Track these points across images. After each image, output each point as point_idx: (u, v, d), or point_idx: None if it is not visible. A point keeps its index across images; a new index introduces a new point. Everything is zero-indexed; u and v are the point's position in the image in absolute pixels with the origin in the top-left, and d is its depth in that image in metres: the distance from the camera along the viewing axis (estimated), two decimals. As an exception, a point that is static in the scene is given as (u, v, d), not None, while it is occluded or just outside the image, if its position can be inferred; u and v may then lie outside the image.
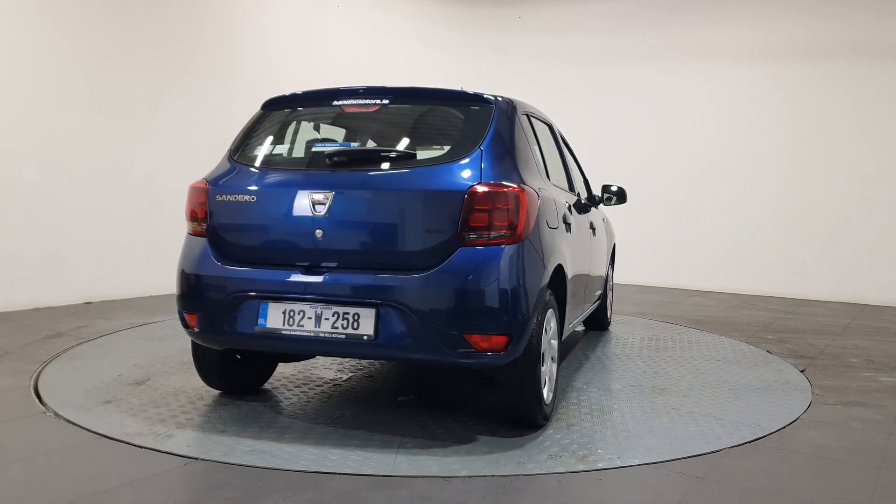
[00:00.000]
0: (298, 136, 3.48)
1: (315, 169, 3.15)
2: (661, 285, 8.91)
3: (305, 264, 2.96)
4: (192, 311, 3.13)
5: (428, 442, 2.98)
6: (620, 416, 3.39)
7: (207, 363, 3.45)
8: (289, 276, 2.95)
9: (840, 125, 8.02)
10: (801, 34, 8.22)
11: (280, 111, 3.49)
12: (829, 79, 8.08)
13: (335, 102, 3.33)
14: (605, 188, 4.96)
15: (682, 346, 5.12)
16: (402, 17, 9.52)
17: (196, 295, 3.12)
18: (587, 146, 7.79)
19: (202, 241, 3.16)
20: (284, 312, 2.93)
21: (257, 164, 3.26)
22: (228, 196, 3.11)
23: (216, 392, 3.59)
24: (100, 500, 2.36)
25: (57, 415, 3.21)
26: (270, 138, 3.43)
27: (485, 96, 3.21)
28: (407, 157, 3.07)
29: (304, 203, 2.94)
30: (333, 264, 2.93)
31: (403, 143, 3.29)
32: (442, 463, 2.73)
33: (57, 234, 6.24)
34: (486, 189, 2.82)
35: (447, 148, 3.12)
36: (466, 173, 2.89)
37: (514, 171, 3.01)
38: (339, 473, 2.62)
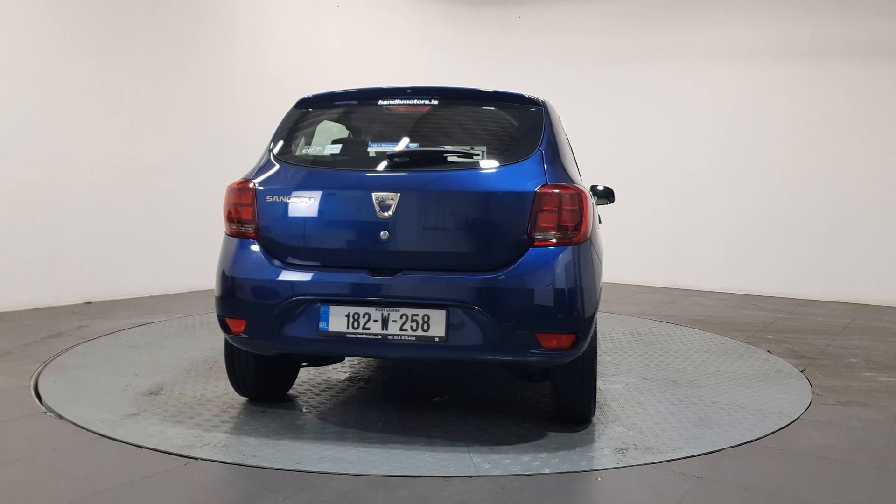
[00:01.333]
0: (348, 136, 3.46)
1: (377, 169, 3.07)
2: (660, 285, 8.91)
3: (370, 266, 2.90)
4: (241, 316, 2.99)
5: (491, 441, 3.02)
6: (654, 409, 3.53)
7: (243, 370, 3.35)
8: (353, 279, 2.89)
9: (840, 125, 8.02)
10: (801, 34, 8.22)
11: (321, 110, 3.43)
12: (829, 79, 8.08)
13: (381, 102, 3.28)
14: (593, 188, 4.94)
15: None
16: (402, 17, 9.52)
17: (246, 299, 2.98)
18: (587, 146, 7.79)
19: (250, 243, 3.04)
20: (348, 315, 2.86)
21: (309, 163, 3.20)
22: (282, 197, 3.01)
23: (242, 399, 3.52)
24: (100, 500, 2.36)
25: (95, 432, 3.02)
26: (317, 138, 3.39)
27: (533, 97, 3.26)
28: (470, 158, 3.07)
29: (369, 204, 2.89)
30: (400, 266, 2.88)
31: (461, 144, 3.30)
32: (520, 461, 2.78)
33: (57, 235, 6.24)
34: (554, 190, 2.87)
35: (504, 149, 3.16)
36: (531, 175, 2.93)
37: (567, 172, 3.07)
38: (343, 474, 2.62)
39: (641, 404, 3.61)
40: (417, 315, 2.82)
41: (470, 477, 2.61)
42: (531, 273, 2.80)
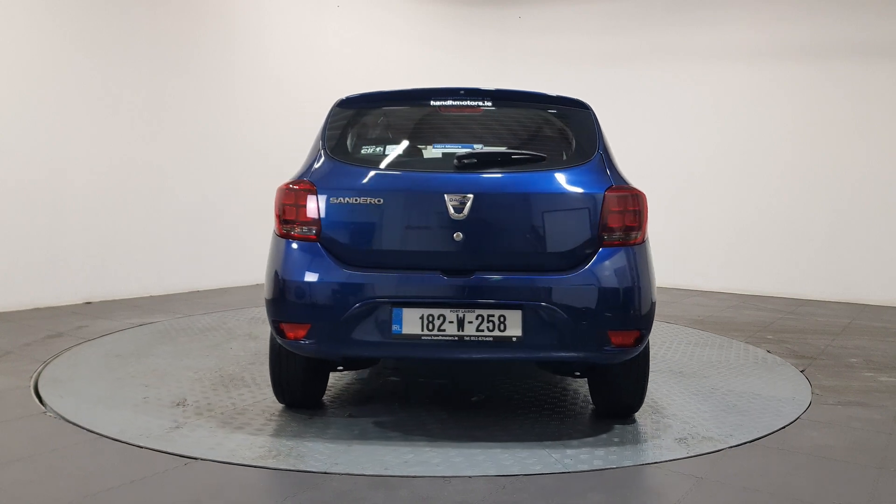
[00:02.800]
0: (406, 137, 3.44)
1: (446, 170, 3.07)
2: (660, 285, 8.88)
3: (443, 268, 2.88)
4: (303, 321, 2.90)
5: (560, 436, 3.09)
6: (683, 400, 3.69)
7: (290, 377, 3.27)
8: (427, 281, 2.86)
9: (840, 125, 8.02)
10: (801, 34, 8.21)
11: (368, 109, 3.40)
12: (829, 79, 8.07)
13: (433, 102, 3.26)
14: None
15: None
16: (402, 17, 9.52)
17: (311, 304, 2.91)
18: (587, 146, 7.78)
19: (312, 245, 2.95)
20: (422, 318, 2.83)
21: (372, 164, 3.16)
22: (348, 198, 2.94)
23: (278, 406, 3.44)
24: (100, 500, 2.36)
25: (138, 445, 2.93)
26: (372, 138, 3.36)
27: (581, 100, 3.33)
28: (537, 160, 3.09)
29: (442, 205, 2.87)
30: (473, 267, 2.88)
31: (520, 146, 3.34)
32: (596, 455, 2.86)
33: (57, 235, 6.24)
34: (621, 192, 2.98)
35: (564, 151, 3.22)
36: (597, 176, 3.03)
37: (622, 174, 3.15)
38: (343, 474, 2.62)
39: (669, 395, 3.76)
40: (493, 315, 2.83)
41: (470, 477, 2.61)
42: (603, 272, 2.88)
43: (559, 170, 3.06)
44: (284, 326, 2.94)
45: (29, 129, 6.03)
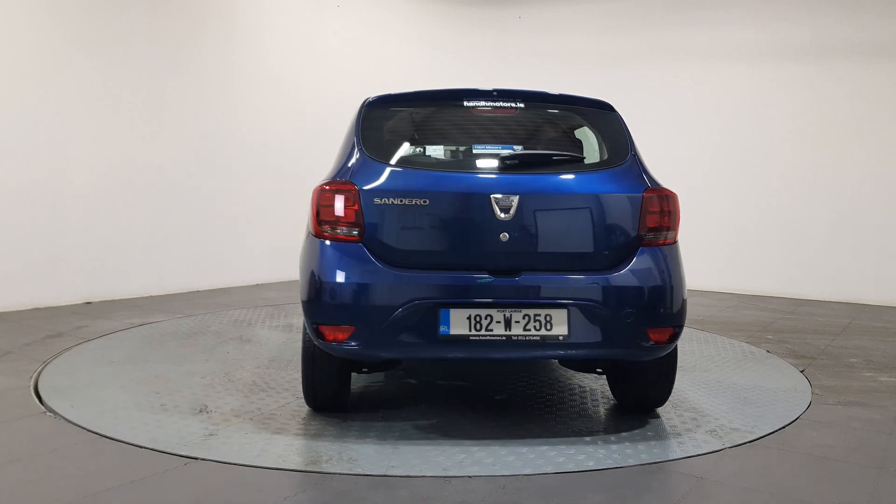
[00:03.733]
0: (444, 137, 3.44)
1: (490, 171, 3.09)
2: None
3: (489, 268, 2.90)
4: (347, 323, 2.86)
5: (587, 433, 3.17)
6: (694, 394, 3.78)
7: (324, 380, 3.21)
8: (475, 281, 2.88)
9: (840, 125, 8.02)
10: (801, 34, 8.21)
11: (404, 110, 3.40)
12: (829, 79, 8.07)
13: (466, 103, 3.28)
14: None
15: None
16: (402, 17, 9.52)
17: (355, 306, 2.87)
18: (587, 146, 7.79)
19: (355, 246, 2.91)
20: (470, 318, 2.84)
21: (412, 164, 3.17)
22: (392, 199, 2.92)
23: (304, 410, 3.39)
24: (100, 500, 2.36)
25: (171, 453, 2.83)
26: (410, 137, 3.36)
27: (608, 102, 3.41)
28: (575, 161, 3.16)
29: (488, 206, 2.89)
30: (519, 267, 2.91)
31: (555, 147, 3.39)
32: (636, 450, 2.95)
33: (57, 235, 6.24)
34: (658, 193, 3.07)
35: (599, 153, 3.28)
36: (634, 178, 3.12)
37: (653, 175, 3.22)
38: (339, 474, 2.62)
39: (680, 389, 3.82)
40: (540, 315, 2.86)
41: (470, 477, 2.61)
42: (644, 271, 2.96)
43: (598, 171, 3.14)
44: (324, 329, 2.89)
45: (29, 129, 6.03)
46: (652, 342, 2.94)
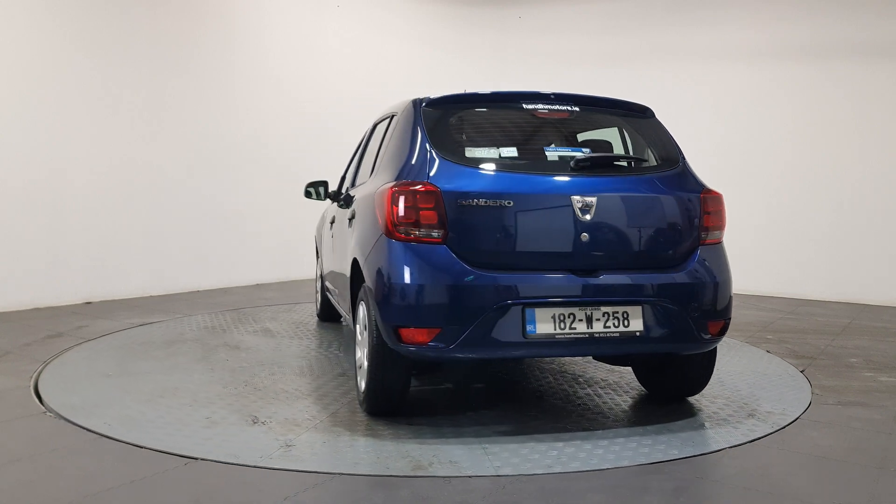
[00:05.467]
0: (512, 139, 3.47)
1: (565, 173, 3.14)
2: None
3: (570, 268, 2.98)
4: (432, 325, 2.85)
5: (643, 422, 3.29)
6: (713, 385, 3.82)
7: (394, 384, 3.13)
8: (560, 281, 2.94)
9: (840, 125, 8.01)
10: (801, 34, 8.21)
11: (464, 111, 3.42)
12: (829, 79, 8.07)
13: (525, 106, 3.35)
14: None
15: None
16: (402, 17, 9.52)
17: (443, 307, 2.86)
18: (587, 146, 7.78)
19: (439, 248, 2.90)
20: (554, 317, 2.90)
21: (491, 166, 3.15)
22: (476, 200, 2.93)
23: (359, 416, 3.29)
24: (100, 500, 2.36)
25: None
26: (478, 139, 3.39)
27: (650, 107, 3.57)
28: (640, 163, 3.31)
29: (570, 207, 2.96)
30: (596, 266, 3.00)
31: (617, 150, 3.49)
32: (704, 437, 3.08)
33: (57, 235, 6.24)
34: (711, 194, 3.26)
35: (656, 155, 3.41)
36: (690, 180, 3.30)
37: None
38: (343, 474, 2.62)
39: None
40: (618, 312, 2.96)
41: (469, 477, 2.61)
42: (704, 268, 3.15)
43: (660, 173, 3.27)
44: (405, 331, 2.87)
45: (29, 129, 6.03)
46: (710, 335, 3.11)
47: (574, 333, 2.90)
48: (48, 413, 3.28)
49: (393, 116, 3.73)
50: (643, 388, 3.84)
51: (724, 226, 3.29)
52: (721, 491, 2.54)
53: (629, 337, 2.97)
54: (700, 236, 3.17)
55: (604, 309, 2.94)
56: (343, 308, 4.24)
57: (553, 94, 3.37)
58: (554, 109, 3.35)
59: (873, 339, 5.57)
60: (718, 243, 3.26)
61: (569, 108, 3.37)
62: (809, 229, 8.16)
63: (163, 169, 7.08)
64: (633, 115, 3.57)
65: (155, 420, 3.20)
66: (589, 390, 3.84)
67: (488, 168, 3.12)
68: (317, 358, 4.49)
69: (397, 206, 2.95)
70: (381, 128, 4.05)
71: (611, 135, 3.56)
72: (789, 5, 8.26)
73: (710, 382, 3.97)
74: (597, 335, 2.93)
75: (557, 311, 2.90)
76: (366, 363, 3.20)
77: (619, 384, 3.97)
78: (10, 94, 5.91)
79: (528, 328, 2.87)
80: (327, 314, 5.66)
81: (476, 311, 2.84)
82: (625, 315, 2.97)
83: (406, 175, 3.06)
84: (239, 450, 2.82)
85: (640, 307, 2.99)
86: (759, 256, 8.47)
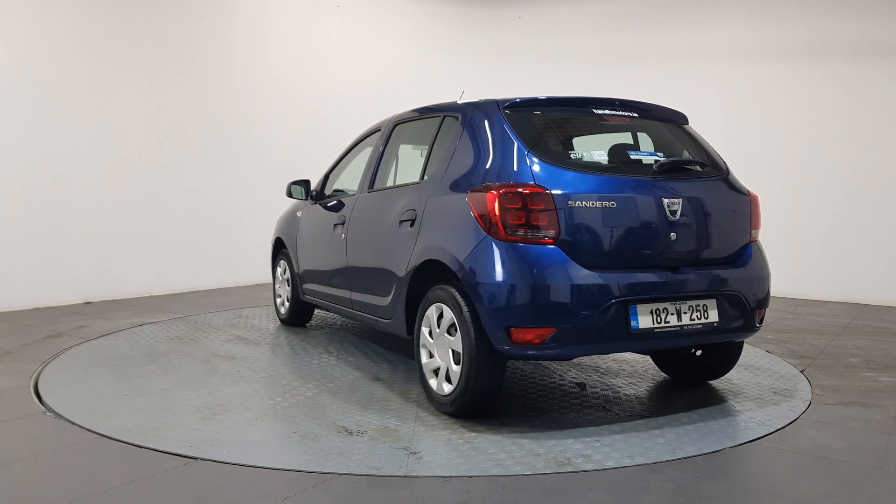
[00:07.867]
0: (599, 143, 3.54)
1: (655, 176, 3.30)
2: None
3: (662, 265, 3.20)
4: (549, 325, 2.92)
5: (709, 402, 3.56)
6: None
7: (489, 384, 3.12)
8: (658, 278, 3.14)
9: (840, 125, 8.01)
10: (801, 34, 8.21)
11: (546, 115, 3.46)
12: (829, 79, 8.07)
13: (595, 111, 3.51)
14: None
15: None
16: (402, 17, 9.52)
17: (560, 306, 2.92)
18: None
19: (552, 249, 2.95)
20: (652, 312, 3.08)
21: (590, 169, 3.23)
22: (585, 202, 3.03)
23: (424, 417, 3.25)
24: (100, 500, 2.36)
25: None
26: (566, 142, 3.45)
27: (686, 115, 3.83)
28: (705, 167, 3.53)
29: (662, 208, 3.17)
30: (680, 264, 3.25)
31: (679, 154, 3.64)
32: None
33: (56, 235, 6.24)
34: (754, 196, 3.60)
35: (707, 159, 3.61)
36: (739, 183, 3.60)
37: None
38: (343, 474, 2.62)
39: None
40: (699, 305, 3.22)
41: (469, 477, 2.61)
42: (757, 263, 3.49)
43: (719, 177, 3.53)
44: (517, 331, 2.94)
45: (29, 130, 6.03)
46: (759, 323, 3.45)
47: (668, 326, 3.11)
48: (48, 413, 3.28)
49: (398, 124, 4.21)
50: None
51: (760, 224, 3.62)
52: (721, 491, 2.54)
53: (709, 328, 3.22)
54: (750, 233, 3.52)
55: (689, 303, 3.18)
56: (360, 312, 4.24)
57: (617, 100, 3.54)
58: (619, 115, 3.55)
59: (873, 339, 5.57)
60: (758, 241, 3.60)
61: (630, 113, 3.57)
62: (809, 229, 8.16)
63: (163, 169, 7.08)
64: (680, 122, 3.81)
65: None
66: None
67: (587, 170, 3.20)
68: (331, 364, 4.50)
69: (505, 207, 2.98)
70: (392, 134, 4.31)
71: (675, 139, 3.72)
72: (789, 5, 8.26)
73: (709, 383, 4.00)
74: (685, 327, 3.16)
75: (654, 306, 3.09)
76: (454, 365, 3.19)
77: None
78: (10, 94, 5.91)
79: (633, 324, 3.03)
80: (297, 319, 5.44)
81: (593, 310, 2.95)
82: (704, 308, 3.22)
83: (502, 177, 3.09)
84: (363, 463, 2.70)
85: (714, 300, 3.26)
86: (759, 256, 8.46)
